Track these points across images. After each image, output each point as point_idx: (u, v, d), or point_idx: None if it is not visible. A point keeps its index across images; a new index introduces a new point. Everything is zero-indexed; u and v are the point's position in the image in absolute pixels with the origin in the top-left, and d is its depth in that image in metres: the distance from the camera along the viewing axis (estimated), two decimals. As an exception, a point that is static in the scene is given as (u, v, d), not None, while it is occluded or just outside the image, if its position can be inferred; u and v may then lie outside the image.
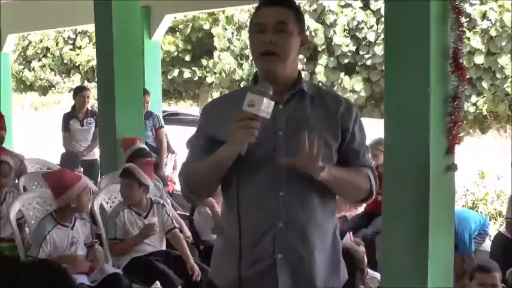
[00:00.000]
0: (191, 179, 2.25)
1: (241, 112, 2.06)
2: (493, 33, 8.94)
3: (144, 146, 5.93)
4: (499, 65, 8.95)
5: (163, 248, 4.69)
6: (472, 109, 9.40)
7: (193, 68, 15.15)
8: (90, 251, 4.48)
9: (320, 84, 10.59)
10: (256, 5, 2.31)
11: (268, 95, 2.07)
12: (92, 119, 7.52)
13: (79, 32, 15.77)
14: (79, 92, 7.65)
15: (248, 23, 2.34)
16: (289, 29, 2.21)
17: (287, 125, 2.20)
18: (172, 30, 13.44)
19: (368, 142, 6.79)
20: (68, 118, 7.60)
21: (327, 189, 2.21)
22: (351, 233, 4.83)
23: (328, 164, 2.13)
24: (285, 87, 2.24)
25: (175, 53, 14.35)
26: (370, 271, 4.59)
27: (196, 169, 2.23)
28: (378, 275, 4.56)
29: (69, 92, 15.69)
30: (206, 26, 13.04)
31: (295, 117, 2.22)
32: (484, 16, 9.00)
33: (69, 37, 16.09)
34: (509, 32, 8.67)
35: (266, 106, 2.06)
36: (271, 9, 2.21)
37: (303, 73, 10.57)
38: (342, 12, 10.28)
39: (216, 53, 12.16)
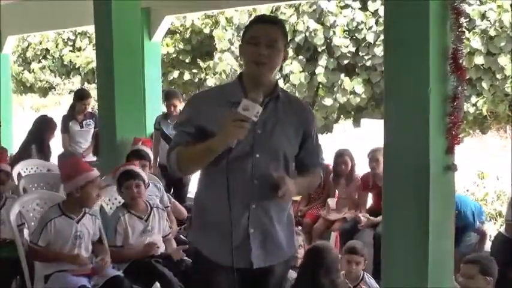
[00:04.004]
0: (183, 159, 2.66)
1: (235, 113, 2.47)
2: (492, 33, 8.91)
3: (141, 147, 5.88)
4: (499, 66, 8.94)
5: (163, 250, 4.68)
6: (471, 109, 9.39)
7: (193, 70, 15.09)
8: (96, 247, 4.40)
9: (320, 85, 10.59)
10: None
11: (259, 103, 2.49)
12: (91, 120, 7.52)
13: (79, 33, 15.73)
14: (82, 99, 7.55)
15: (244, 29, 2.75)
16: (278, 46, 2.66)
17: (264, 125, 2.66)
18: (172, 32, 13.42)
19: (368, 150, 6.71)
20: (67, 120, 7.59)
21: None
22: (336, 233, 4.76)
23: (294, 185, 2.63)
24: (265, 92, 2.65)
25: (175, 55, 14.30)
26: (367, 278, 4.48)
27: (189, 152, 2.64)
28: (373, 283, 4.48)
29: (69, 93, 15.62)
30: (206, 30, 13.04)
31: (271, 119, 2.69)
32: (483, 16, 8.98)
33: (68, 38, 16.03)
34: (508, 32, 8.66)
35: (257, 112, 2.47)
36: (265, 26, 2.67)
37: (303, 74, 10.61)
38: (340, 13, 10.27)
39: (216, 54, 12.14)
